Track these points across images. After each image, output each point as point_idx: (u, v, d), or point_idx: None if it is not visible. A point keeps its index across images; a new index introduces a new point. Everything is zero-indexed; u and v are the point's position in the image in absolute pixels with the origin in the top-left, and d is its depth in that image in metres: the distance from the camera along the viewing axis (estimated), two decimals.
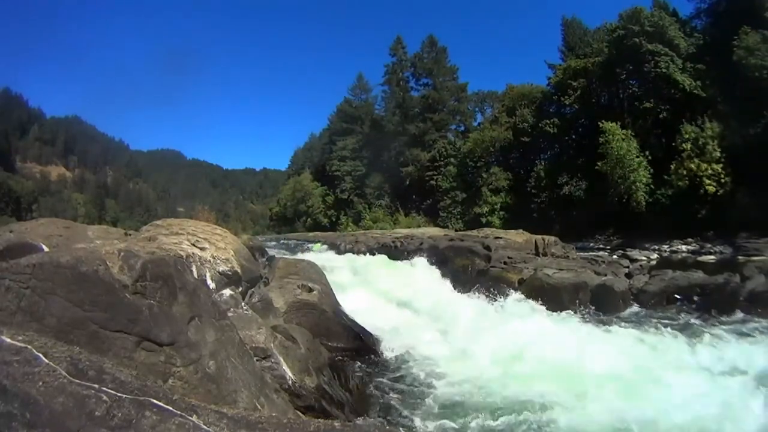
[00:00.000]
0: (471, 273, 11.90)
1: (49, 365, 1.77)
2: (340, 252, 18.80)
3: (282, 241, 28.60)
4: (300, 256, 13.67)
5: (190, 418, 1.76)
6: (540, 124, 31.78)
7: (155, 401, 1.79)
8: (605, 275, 11.00)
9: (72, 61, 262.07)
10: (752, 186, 19.66)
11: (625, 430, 4.28)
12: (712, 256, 18.06)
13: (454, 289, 11.30)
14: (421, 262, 13.24)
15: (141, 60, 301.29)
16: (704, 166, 21.31)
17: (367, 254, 16.35)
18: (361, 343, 6.57)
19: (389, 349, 6.79)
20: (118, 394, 1.74)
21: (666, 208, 23.04)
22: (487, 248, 12.66)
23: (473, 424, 4.58)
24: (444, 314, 8.79)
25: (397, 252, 15.86)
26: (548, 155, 33.38)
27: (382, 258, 14.62)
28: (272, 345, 4.43)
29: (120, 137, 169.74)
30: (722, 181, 21.08)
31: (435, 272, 12.47)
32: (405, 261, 13.84)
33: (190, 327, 3.03)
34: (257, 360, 4.01)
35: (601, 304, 9.77)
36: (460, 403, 5.05)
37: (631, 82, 27.72)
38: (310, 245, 22.14)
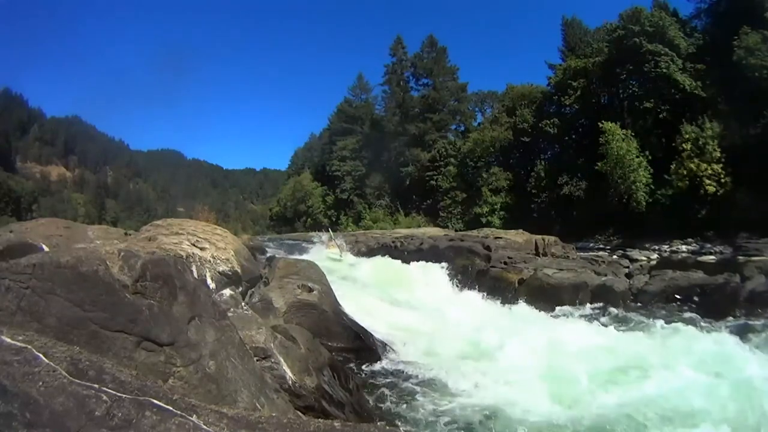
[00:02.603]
0: (471, 273, 11.91)
1: (49, 365, 1.77)
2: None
3: (283, 242, 28.56)
4: (312, 256, 13.18)
5: (190, 418, 1.76)
6: (540, 124, 31.80)
7: (155, 401, 1.79)
8: (605, 275, 11.02)
9: (72, 61, 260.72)
10: (752, 186, 19.67)
11: None
12: (712, 256, 18.08)
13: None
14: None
15: (141, 60, 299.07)
16: (704, 166, 21.34)
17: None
18: (361, 343, 6.56)
19: (393, 351, 6.79)
20: (118, 394, 1.74)
21: (666, 208, 23.06)
22: (487, 248, 12.67)
23: (474, 422, 4.58)
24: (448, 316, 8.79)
25: (397, 252, 15.85)
26: (548, 155, 33.42)
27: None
28: (272, 345, 4.43)
29: (120, 137, 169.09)
30: (722, 181, 21.11)
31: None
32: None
33: (190, 327, 3.03)
34: (257, 360, 4.01)
35: (601, 304, 9.77)
36: (462, 403, 5.04)
37: (631, 82, 27.73)
38: (316, 239, 18.53)
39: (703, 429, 4.19)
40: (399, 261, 13.73)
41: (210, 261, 5.76)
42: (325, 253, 15.22)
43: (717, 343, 6.45)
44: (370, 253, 16.76)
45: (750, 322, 8.32)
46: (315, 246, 18.48)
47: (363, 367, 6.20)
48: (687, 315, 9.27)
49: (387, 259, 13.92)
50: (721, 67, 22.69)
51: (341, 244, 17.14)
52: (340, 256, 15.13)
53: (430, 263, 12.94)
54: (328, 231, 21.68)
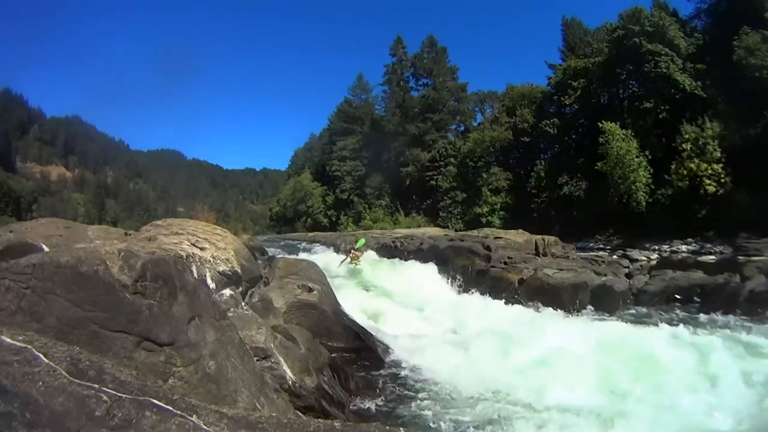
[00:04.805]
0: (471, 273, 11.90)
1: (49, 365, 1.77)
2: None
3: (283, 242, 28.54)
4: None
5: (190, 418, 1.76)
6: (540, 124, 31.79)
7: (155, 401, 1.79)
8: (605, 275, 10.99)
9: (72, 61, 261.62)
10: (752, 186, 19.67)
11: None
12: (712, 256, 18.08)
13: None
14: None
15: (141, 60, 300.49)
16: (704, 166, 21.33)
17: None
18: (361, 343, 6.55)
19: (394, 351, 6.79)
20: (118, 394, 1.74)
21: (666, 208, 23.05)
22: (487, 248, 12.65)
23: (474, 423, 4.58)
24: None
25: (397, 252, 15.85)
26: (548, 155, 33.40)
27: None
28: (272, 345, 4.44)
29: (120, 137, 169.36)
30: (722, 181, 21.10)
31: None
32: None
33: (190, 327, 3.03)
34: (257, 360, 4.02)
35: (601, 304, 9.76)
36: (462, 404, 5.04)
37: (631, 82, 27.72)
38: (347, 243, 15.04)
39: None
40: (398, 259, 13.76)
41: (210, 261, 5.76)
42: (342, 263, 12.87)
43: None
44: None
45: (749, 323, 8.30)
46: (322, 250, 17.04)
47: (363, 367, 6.19)
48: (687, 314, 9.28)
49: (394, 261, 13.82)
50: (721, 67, 22.67)
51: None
52: (360, 266, 12.66)
53: (429, 264, 12.99)
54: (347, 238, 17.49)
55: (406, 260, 13.98)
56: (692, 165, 21.55)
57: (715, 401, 4.86)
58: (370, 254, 14.92)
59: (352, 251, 13.03)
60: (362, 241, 14.49)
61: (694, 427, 4.45)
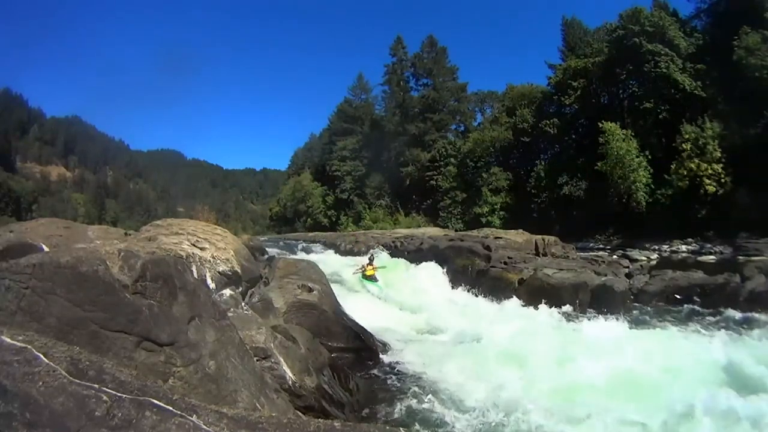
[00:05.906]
0: (471, 273, 11.91)
1: (49, 365, 1.77)
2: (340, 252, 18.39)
3: (282, 242, 28.50)
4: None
5: (190, 418, 1.76)
6: (540, 124, 31.80)
7: (155, 401, 1.79)
8: (605, 275, 10.98)
9: (72, 61, 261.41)
10: (752, 186, 19.67)
11: None
12: (712, 256, 18.07)
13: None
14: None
15: (141, 60, 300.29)
16: (704, 166, 21.34)
17: None
18: (361, 343, 6.56)
19: (394, 351, 6.79)
20: (118, 394, 1.74)
21: (666, 208, 23.05)
22: (487, 248, 12.66)
23: (474, 423, 4.58)
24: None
25: (397, 252, 15.86)
26: (548, 155, 33.40)
27: None
28: (272, 345, 4.44)
29: (120, 137, 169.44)
30: (722, 181, 21.11)
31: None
32: None
33: (190, 327, 3.03)
34: (257, 360, 4.01)
35: (601, 304, 9.74)
36: (464, 407, 5.03)
37: (631, 82, 27.74)
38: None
39: None
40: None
41: (210, 261, 5.76)
42: (357, 277, 11.66)
43: None
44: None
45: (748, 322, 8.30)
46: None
47: (363, 367, 6.19)
48: (687, 314, 9.27)
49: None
50: (721, 67, 22.68)
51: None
52: (379, 284, 11.27)
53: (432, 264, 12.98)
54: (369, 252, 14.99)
55: (407, 261, 13.98)
56: (692, 165, 21.56)
57: None
58: (383, 256, 14.80)
59: (370, 265, 12.01)
60: (383, 264, 13.03)
61: None
